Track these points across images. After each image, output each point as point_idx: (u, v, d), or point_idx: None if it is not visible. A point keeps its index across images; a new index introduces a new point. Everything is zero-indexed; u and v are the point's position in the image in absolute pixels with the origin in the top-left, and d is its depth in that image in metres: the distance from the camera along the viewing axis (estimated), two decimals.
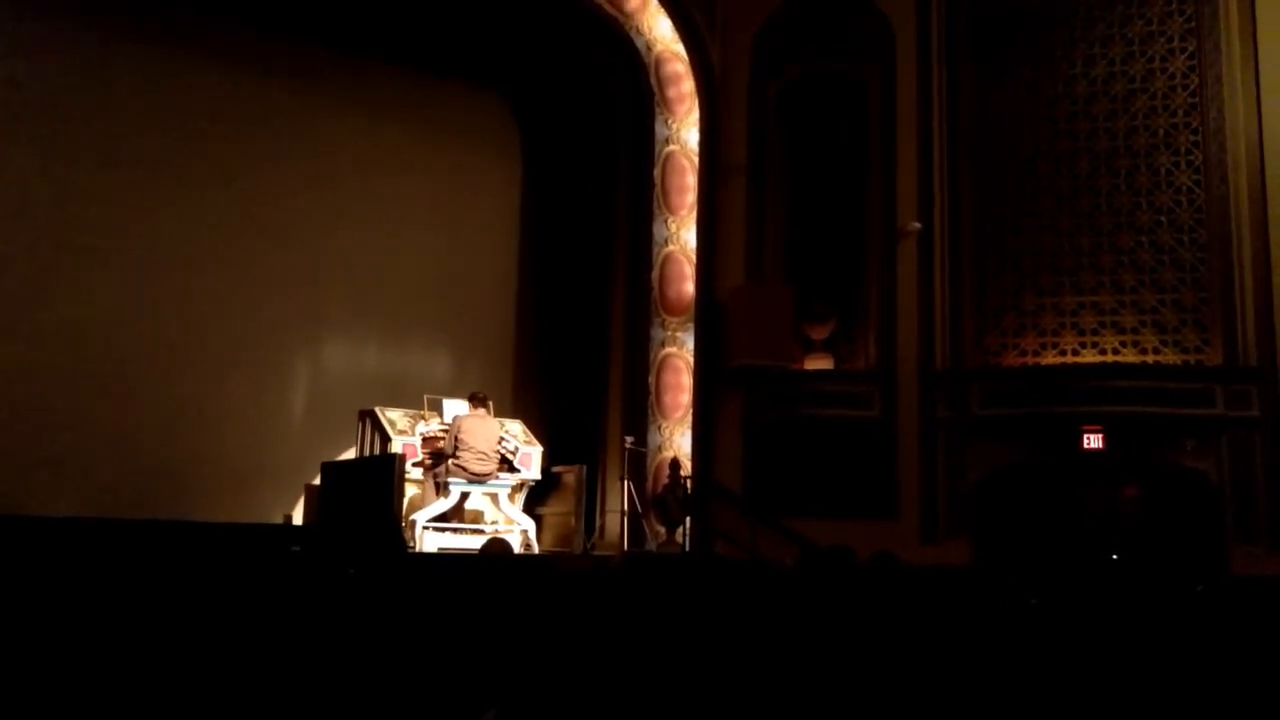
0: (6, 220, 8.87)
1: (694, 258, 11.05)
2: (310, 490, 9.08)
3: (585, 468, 9.77)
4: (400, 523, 7.94)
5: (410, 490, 8.55)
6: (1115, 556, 9.60)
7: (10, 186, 8.90)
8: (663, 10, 10.97)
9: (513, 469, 8.88)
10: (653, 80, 11.20)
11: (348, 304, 10.60)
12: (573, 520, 9.51)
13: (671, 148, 11.18)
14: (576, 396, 11.23)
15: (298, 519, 9.53)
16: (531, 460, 9.12)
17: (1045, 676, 3.69)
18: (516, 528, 8.69)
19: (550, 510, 9.84)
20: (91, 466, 8.96)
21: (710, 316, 10.90)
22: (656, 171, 11.13)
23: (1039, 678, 3.67)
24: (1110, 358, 10.49)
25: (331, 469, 8.54)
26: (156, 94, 9.65)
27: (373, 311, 10.74)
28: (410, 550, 7.94)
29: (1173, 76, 10.67)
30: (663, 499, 9.96)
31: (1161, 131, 10.64)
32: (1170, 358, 10.36)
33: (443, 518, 8.48)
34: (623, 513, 9.76)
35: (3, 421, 8.57)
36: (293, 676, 3.32)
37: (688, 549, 9.78)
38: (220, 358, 9.78)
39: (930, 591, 4.83)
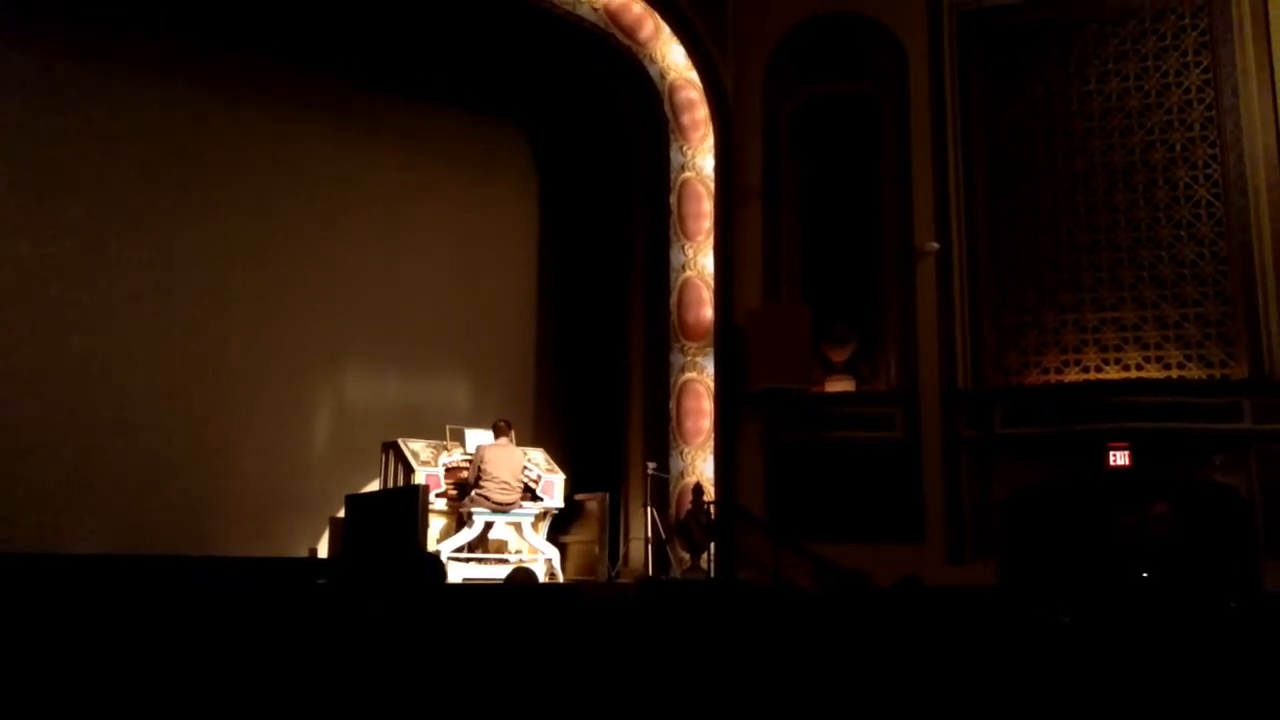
0: (30, 257, 9.00)
1: (712, 282, 11.07)
2: (335, 523, 9.11)
3: (608, 495, 9.77)
4: (427, 555, 7.93)
5: (435, 521, 8.57)
6: (1145, 574, 9.49)
7: (37, 222, 9.03)
8: (675, 38, 11.06)
9: (535, 497, 8.89)
10: (667, 108, 11.28)
11: (368, 336, 10.66)
12: (597, 548, 9.50)
13: (687, 174, 11.24)
14: (597, 424, 11.23)
15: (323, 552, 9.55)
16: (554, 488, 9.13)
17: (1079, 696, 3.64)
18: (541, 556, 8.69)
19: (574, 538, 9.84)
20: (117, 503, 9.02)
21: (729, 341, 10.90)
22: (672, 198, 11.18)
23: (1073, 697, 3.63)
24: (1134, 374, 10.41)
25: (356, 501, 8.56)
26: (177, 126, 9.78)
27: (393, 343, 10.80)
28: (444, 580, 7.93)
29: (1188, 90, 10.65)
30: (686, 525, 9.93)
31: (1178, 146, 10.61)
32: (1195, 372, 10.28)
33: (467, 548, 8.49)
34: (647, 539, 9.74)
35: (26, 460, 8.66)
36: (322, 711, 3.32)
37: (712, 575, 9.74)
38: (242, 392, 9.85)
39: (958, 613, 4.79)
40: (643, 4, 10.81)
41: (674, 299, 11.04)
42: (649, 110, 11.34)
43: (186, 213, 9.76)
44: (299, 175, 10.44)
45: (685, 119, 11.28)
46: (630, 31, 10.96)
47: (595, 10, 10.68)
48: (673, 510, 10.40)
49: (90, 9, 9.28)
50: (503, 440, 8.71)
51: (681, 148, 11.28)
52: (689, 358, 10.96)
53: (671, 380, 10.91)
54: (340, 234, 10.60)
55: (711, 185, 11.22)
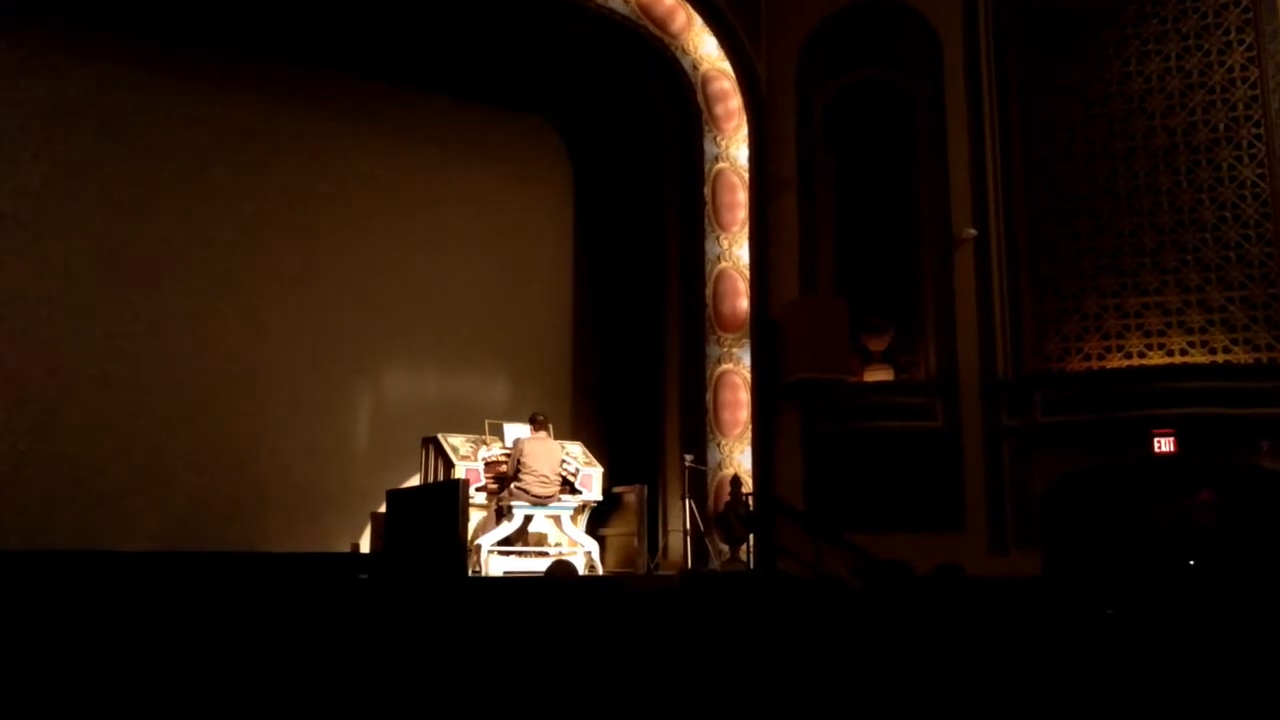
0: (82, 265, 9.16)
1: (747, 273, 11.03)
2: (377, 518, 9.21)
3: (646, 487, 9.77)
4: (464, 548, 7.99)
5: (475, 515, 8.64)
6: (1192, 563, 9.35)
7: (74, 220, 9.18)
8: (707, 29, 11.02)
9: (574, 490, 8.92)
10: (700, 99, 11.25)
11: (407, 332, 10.76)
12: (635, 541, 9.52)
13: (721, 165, 11.20)
14: (634, 416, 11.25)
15: (365, 547, 9.66)
16: (592, 481, 9.16)
17: (1126, 688, 3.60)
18: (580, 549, 8.72)
19: (613, 531, 9.86)
20: (162, 500, 9.19)
21: (766, 332, 10.86)
22: (707, 189, 11.15)
23: (1120, 689, 3.59)
24: (1178, 359, 10.24)
25: (397, 496, 8.65)
26: (219, 132, 9.92)
27: (431, 339, 10.89)
28: (474, 574, 8.00)
29: (1231, 69, 10.44)
30: (724, 517, 9.92)
31: (1222, 126, 10.41)
32: (1241, 356, 10.10)
33: (507, 541, 8.54)
34: (685, 532, 9.75)
35: (74, 459, 8.83)
36: (365, 701, 3.36)
37: (752, 566, 9.73)
38: (284, 389, 9.98)
39: (1001, 603, 4.76)
40: None
41: (709, 290, 11.01)
42: (682, 102, 11.31)
43: (226, 215, 9.89)
44: (336, 175, 10.55)
45: (718, 109, 11.24)
46: (662, 24, 10.94)
47: (627, 3, 10.66)
48: (711, 502, 10.39)
49: (120, 12, 9.42)
50: (541, 434, 8.75)
51: (715, 138, 11.25)
52: (725, 349, 10.94)
53: (708, 372, 10.89)
54: (377, 232, 10.70)
55: (746, 175, 11.17)
